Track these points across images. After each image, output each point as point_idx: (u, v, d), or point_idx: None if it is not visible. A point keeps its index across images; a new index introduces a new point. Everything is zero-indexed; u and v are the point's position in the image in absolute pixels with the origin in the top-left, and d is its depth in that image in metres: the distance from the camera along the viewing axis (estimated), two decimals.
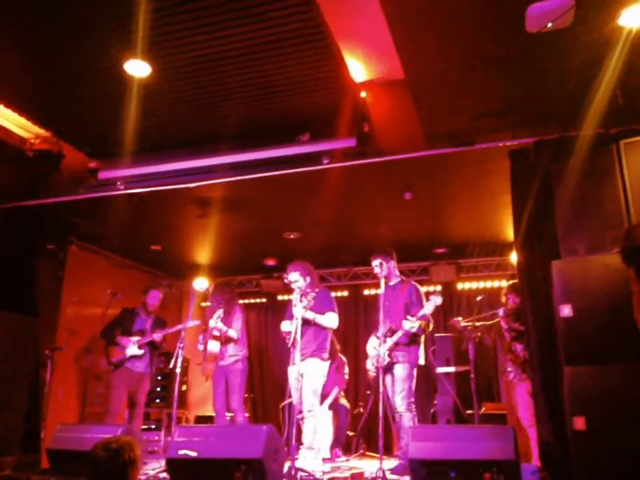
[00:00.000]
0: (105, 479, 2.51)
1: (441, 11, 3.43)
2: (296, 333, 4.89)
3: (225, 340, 5.96)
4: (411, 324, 5.08)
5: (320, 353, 5.12)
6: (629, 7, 3.30)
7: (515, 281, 6.10)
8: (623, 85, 3.95)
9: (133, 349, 6.32)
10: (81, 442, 4.43)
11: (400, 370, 5.15)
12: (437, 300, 5.09)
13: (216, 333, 5.93)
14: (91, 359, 6.64)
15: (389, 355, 5.16)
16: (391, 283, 5.47)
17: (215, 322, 5.84)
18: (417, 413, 5.19)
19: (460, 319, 5.78)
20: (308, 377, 4.93)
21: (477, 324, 5.72)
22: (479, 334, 5.77)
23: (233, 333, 5.93)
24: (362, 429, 7.30)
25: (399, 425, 5.22)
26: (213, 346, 5.96)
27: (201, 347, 6.11)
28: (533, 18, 3.41)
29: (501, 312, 5.59)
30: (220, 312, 5.84)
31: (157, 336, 6.41)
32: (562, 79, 4.03)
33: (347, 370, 7.43)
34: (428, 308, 5.09)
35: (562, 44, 3.66)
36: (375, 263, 5.36)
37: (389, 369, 5.20)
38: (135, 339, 6.38)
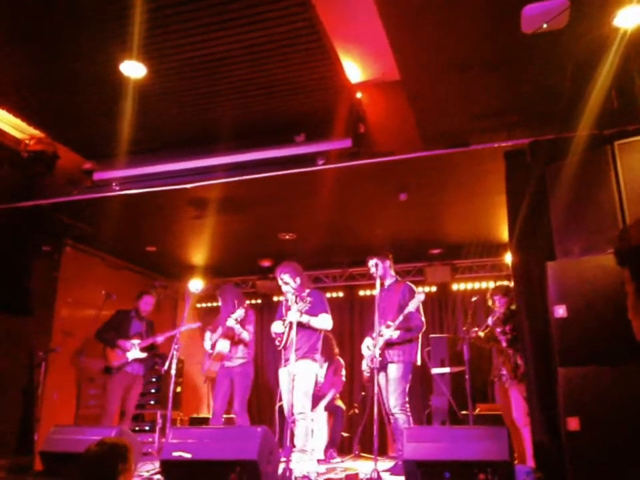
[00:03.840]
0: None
1: (436, 12, 3.44)
2: (289, 335, 4.89)
3: (236, 341, 5.82)
4: (390, 332, 5.13)
5: (312, 354, 5.07)
6: (624, 8, 3.32)
7: (501, 283, 6.07)
8: (617, 86, 3.96)
9: (135, 352, 6.28)
10: (75, 444, 4.37)
11: (394, 370, 5.15)
12: (420, 296, 5.16)
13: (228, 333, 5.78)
14: (85, 360, 6.60)
15: (382, 355, 5.13)
16: (386, 284, 5.49)
17: (233, 322, 5.67)
18: (411, 414, 5.16)
19: (476, 329, 5.73)
20: (300, 378, 4.87)
21: (483, 333, 5.66)
22: (474, 334, 5.74)
23: (246, 336, 5.80)
24: (357, 430, 7.29)
25: (393, 427, 5.21)
26: (223, 346, 5.81)
27: (207, 345, 5.99)
28: (528, 19, 3.42)
29: (490, 320, 5.54)
30: (241, 312, 5.68)
31: (160, 338, 6.40)
32: (557, 79, 4.04)
33: (344, 372, 7.42)
34: (412, 305, 5.13)
35: (557, 45, 3.67)
36: (371, 263, 5.41)
37: (383, 368, 5.18)
38: (136, 342, 6.33)
